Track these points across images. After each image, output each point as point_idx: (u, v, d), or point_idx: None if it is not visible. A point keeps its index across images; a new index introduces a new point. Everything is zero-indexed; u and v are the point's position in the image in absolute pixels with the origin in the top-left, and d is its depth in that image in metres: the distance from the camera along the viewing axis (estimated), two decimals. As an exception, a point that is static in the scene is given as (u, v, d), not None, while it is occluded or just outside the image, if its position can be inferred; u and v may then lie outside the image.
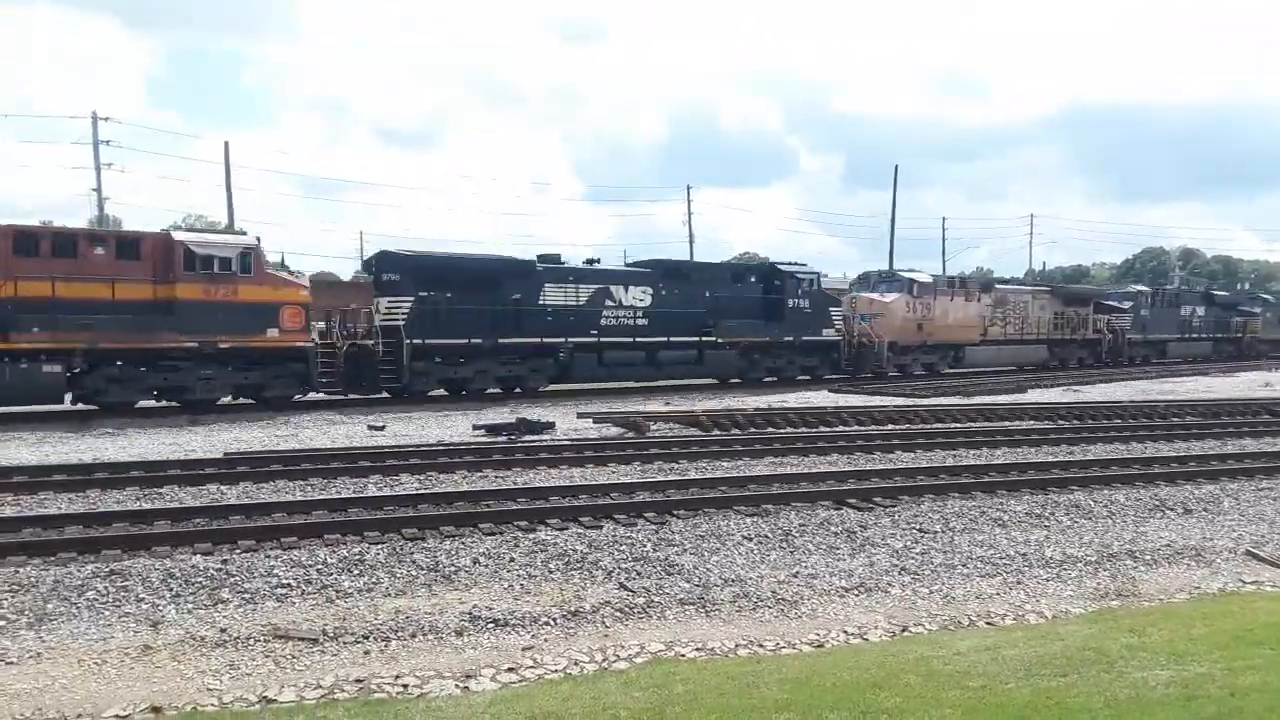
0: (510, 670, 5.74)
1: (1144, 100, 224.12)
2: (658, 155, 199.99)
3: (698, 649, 6.22)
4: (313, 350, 19.91)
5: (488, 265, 23.34)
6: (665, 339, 24.82)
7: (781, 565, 8.29)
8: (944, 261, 68.37)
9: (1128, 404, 21.93)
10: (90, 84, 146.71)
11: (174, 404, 19.23)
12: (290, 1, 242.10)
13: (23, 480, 11.03)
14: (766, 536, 9.02)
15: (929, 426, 18.08)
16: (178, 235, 18.65)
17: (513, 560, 8.02)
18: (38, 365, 17.13)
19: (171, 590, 7.07)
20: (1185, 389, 28.72)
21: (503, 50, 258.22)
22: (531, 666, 5.82)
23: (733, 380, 26.91)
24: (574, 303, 23.68)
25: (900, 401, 22.66)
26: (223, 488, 10.96)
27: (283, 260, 37.86)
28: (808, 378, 28.12)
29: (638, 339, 24.45)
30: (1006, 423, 18.99)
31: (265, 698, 5.26)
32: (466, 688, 5.44)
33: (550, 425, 16.88)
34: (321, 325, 21.60)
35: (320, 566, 7.65)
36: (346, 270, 52.07)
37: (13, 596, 6.83)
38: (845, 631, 6.73)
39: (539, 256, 24.45)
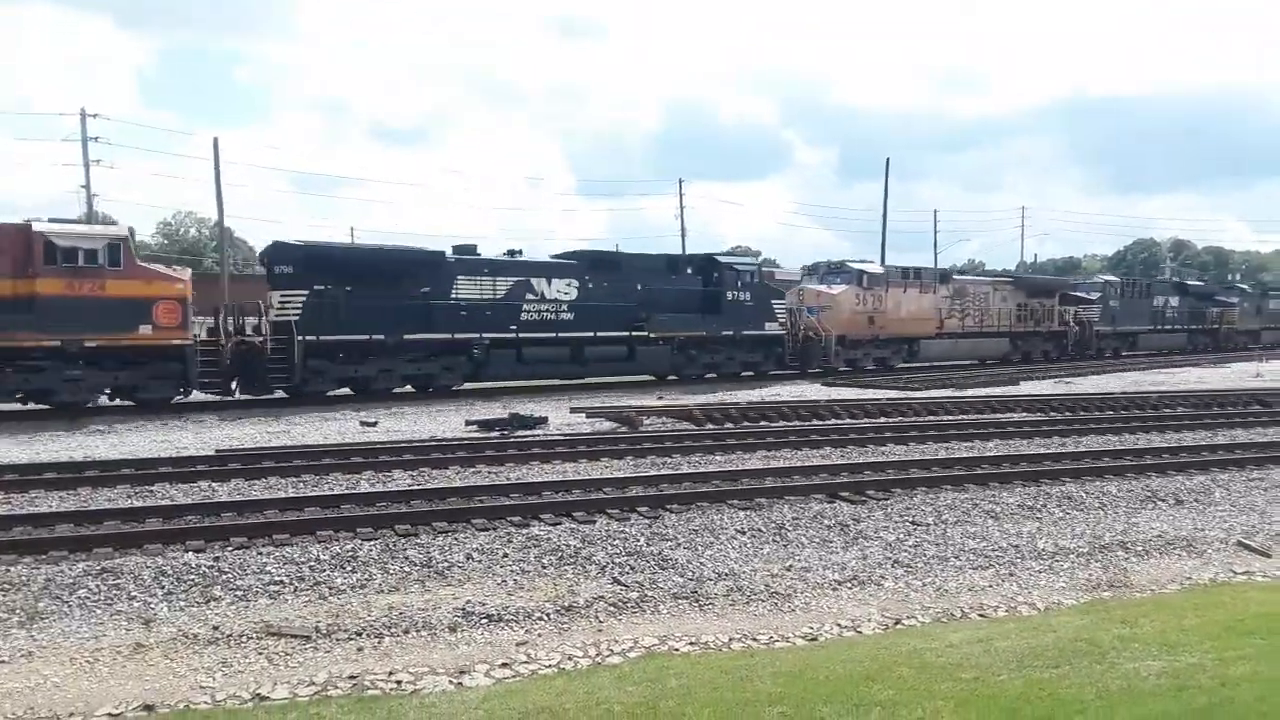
0: (504, 666, 5.74)
1: (1138, 92, 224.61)
2: (652, 149, 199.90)
3: (691, 643, 6.22)
4: (191, 348, 18.56)
5: (392, 257, 22.13)
6: (592, 334, 23.61)
7: (775, 559, 8.30)
8: (936, 254, 68.30)
9: (1119, 395, 22.01)
10: (86, 82, 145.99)
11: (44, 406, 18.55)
12: (288, 2, 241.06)
13: (13, 478, 10.98)
14: (760, 530, 9.03)
15: (921, 419, 18.11)
16: (37, 226, 17.25)
17: (506, 556, 8.02)
18: None
19: (163, 588, 7.05)
20: (1176, 380, 28.83)
21: (499, 48, 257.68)
22: (525, 662, 5.82)
23: (670, 378, 25.71)
24: (490, 296, 22.52)
25: (893, 394, 22.70)
26: (214, 485, 10.93)
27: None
28: (751, 374, 27.12)
29: (561, 334, 23.28)
30: (999, 415, 19.04)
31: (258, 695, 5.25)
32: (460, 683, 5.44)
33: (543, 420, 16.88)
34: (212, 322, 20.39)
35: (313, 563, 7.63)
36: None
37: (4, 595, 6.81)
38: (838, 624, 6.75)
39: (454, 248, 23.10)
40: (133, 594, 6.94)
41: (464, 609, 6.79)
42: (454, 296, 21.97)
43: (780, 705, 4.66)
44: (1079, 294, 39.32)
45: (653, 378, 25.75)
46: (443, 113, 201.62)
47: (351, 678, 5.48)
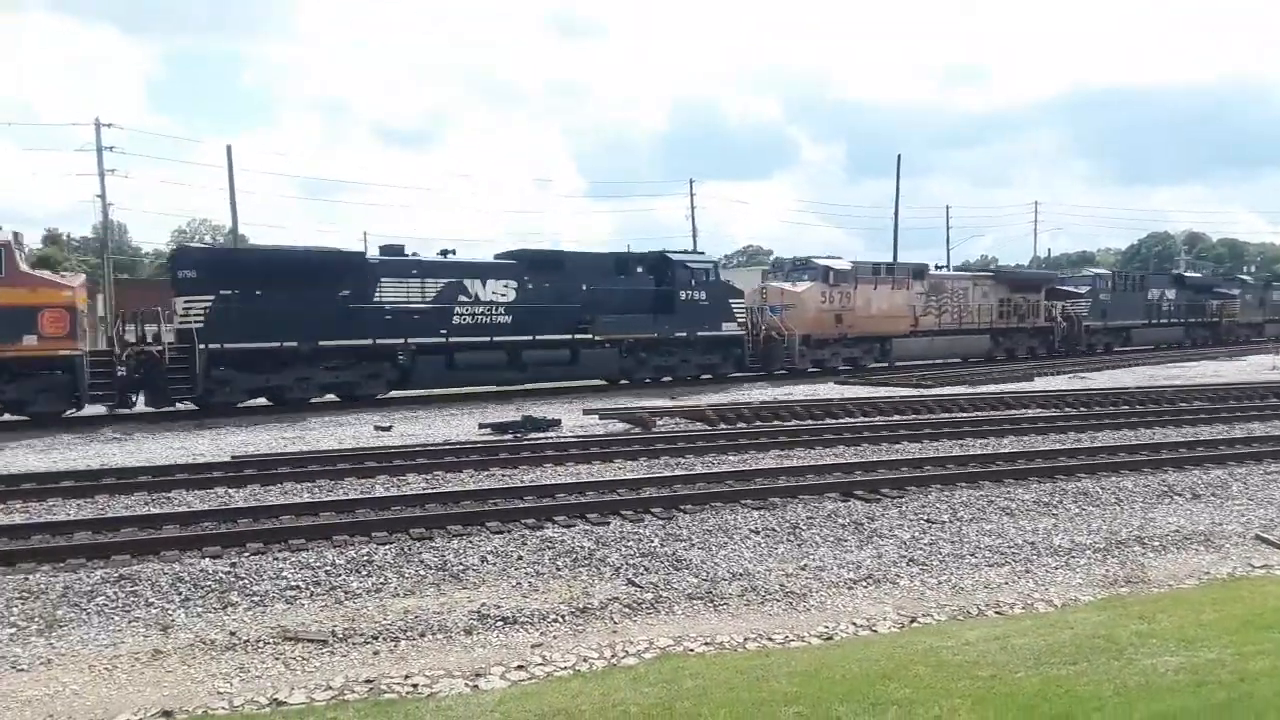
0: (520, 668, 5.75)
1: (1144, 83, 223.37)
2: (659, 149, 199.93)
3: (706, 643, 6.22)
4: (80, 359, 17.44)
5: (306, 259, 20.95)
6: (531, 338, 22.56)
7: (789, 558, 8.28)
8: (948, 250, 68.14)
9: (1134, 390, 21.88)
10: (91, 91, 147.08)
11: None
12: (288, 2, 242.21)
13: (31, 487, 11.06)
14: (774, 530, 9.02)
15: (935, 416, 18.05)
16: None
17: (520, 558, 8.03)
18: None
19: (181, 594, 7.09)
20: (1191, 374, 28.65)
21: (503, 49, 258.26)
22: (541, 664, 5.82)
23: (622, 382, 24.68)
24: (418, 299, 21.35)
25: (906, 392, 22.64)
26: (230, 491, 10.98)
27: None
28: (709, 376, 26.03)
29: (496, 338, 22.15)
30: (1013, 411, 18.96)
31: (275, 700, 5.28)
32: (476, 686, 5.45)
33: (556, 423, 16.89)
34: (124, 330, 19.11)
35: (329, 568, 7.66)
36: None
37: (23, 603, 6.86)
38: (854, 623, 6.73)
39: (380, 248, 22.22)
40: (150, 601, 6.98)
41: (479, 612, 6.81)
42: (377, 300, 20.86)
43: (796, 705, 4.65)
44: (1066, 288, 38.20)
45: (604, 382, 24.81)
46: (447, 114, 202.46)
47: (368, 681, 5.50)
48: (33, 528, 8.95)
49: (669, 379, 25.28)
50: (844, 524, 9.27)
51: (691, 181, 59.71)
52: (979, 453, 13.26)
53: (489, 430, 16.40)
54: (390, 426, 17.35)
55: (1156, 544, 8.99)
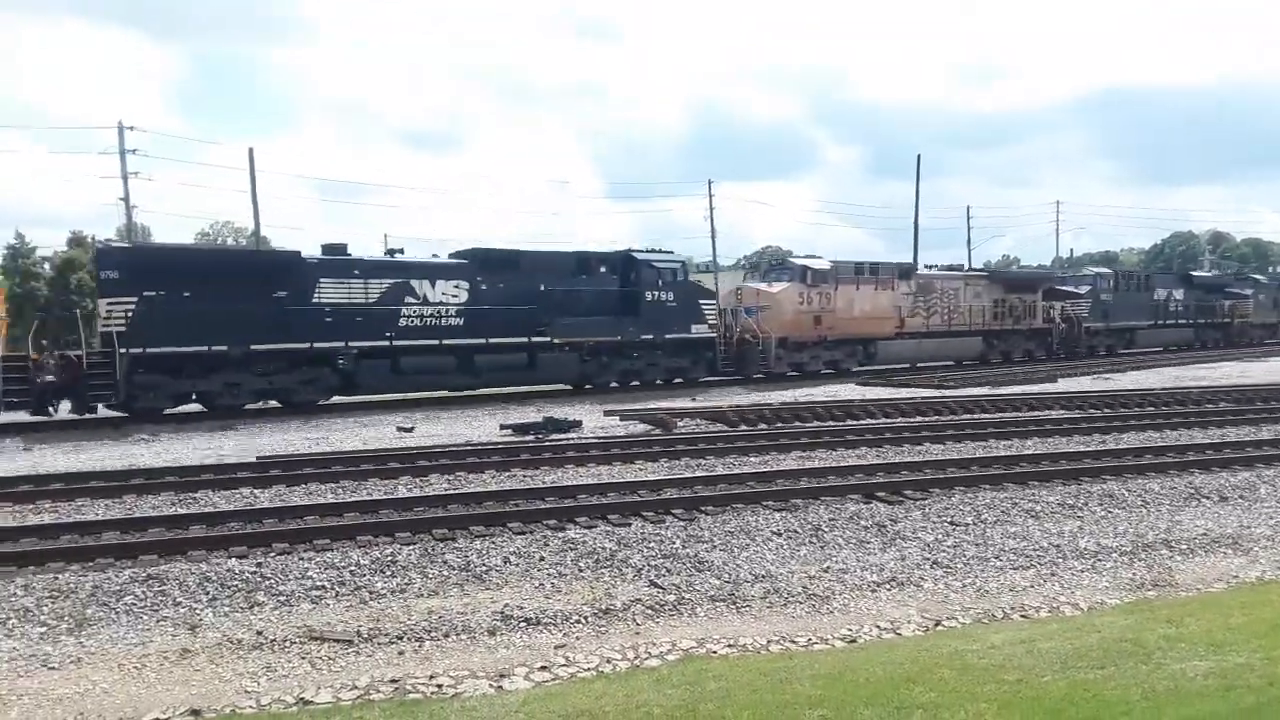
0: (543, 669, 5.76)
1: (1167, 81, 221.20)
2: (678, 150, 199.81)
3: (729, 645, 6.21)
4: None
5: (238, 259, 20.39)
6: (483, 341, 21.69)
7: (812, 560, 8.26)
8: (969, 251, 67.54)
9: (1159, 391, 21.68)
10: (112, 93, 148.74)
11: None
12: (308, 6, 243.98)
13: (60, 487, 11.20)
14: (796, 531, 9.00)
15: (958, 417, 17.96)
16: None
17: (543, 559, 8.05)
18: None
19: (208, 594, 7.16)
20: (1218, 374, 28.35)
21: (521, 51, 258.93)
22: (564, 665, 5.84)
23: (587, 386, 23.93)
24: (361, 301, 20.50)
25: (928, 393, 22.54)
26: (256, 491, 11.08)
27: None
28: (680, 380, 25.30)
29: (446, 341, 21.29)
30: (1036, 412, 18.83)
31: (302, 699, 5.31)
32: (500, 687, 5.47)
33: (577, 424, 16.93)
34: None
35: (353, 568, 7.72)
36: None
37: (52, 603, 6.95)
38: (878, 626, 6.71)
39: (322, 247, 21.32)
40: (178, 600, 7.05)
41: (502, 612, 6.83)
42: (316, 301, 20.01)
43: (820, 708, 4.64)
44: (1066, 288, 36.92)
45: (569, 387, 24.14)
46: (466, 116, 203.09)
47: (393, 681, 5.53)
48: (62, 527, 9.06)
49: (636, 384, 24.49)
50: (867, 526, 9.23)
51: (710, 182, 59.72)
52: (1003, 454, 13.17)
53: (510, 431, 16.46)
54: (413, 428, 17.45)
55: (1184, 547, 8.90)
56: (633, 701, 4.87)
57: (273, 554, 8.11)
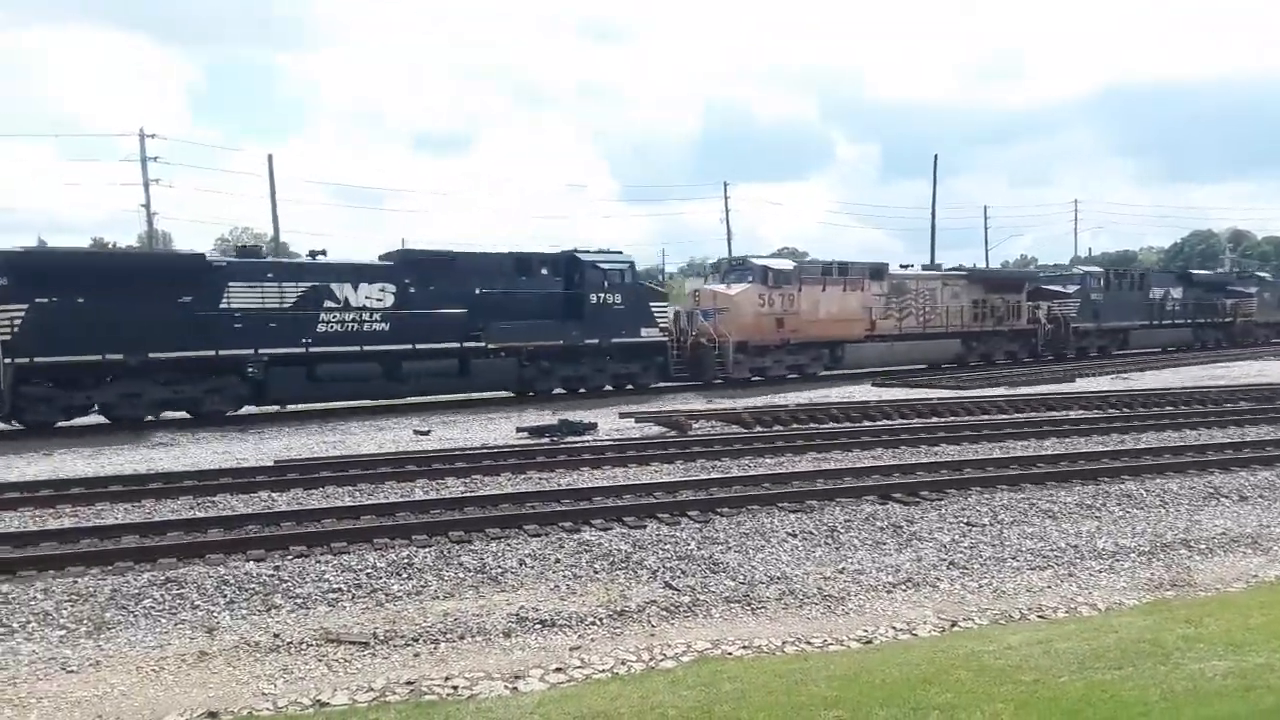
0: (558, 670, 5.77)
1: (1187, 78, 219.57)
2: (693, 152, 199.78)
3: (744, 647, 6.20)
4: None
5: (138, 262, 19.13)
6: (410, 346, 20.59)
7: (827, 561, 8.25)
8: (987, 250, 67.39)
9: (1178, 391, 21.52)
10: (133, 100, 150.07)
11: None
12: (321, 13, 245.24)
13: (80, 491, 11.29)
14: (811, 533, 8.98)
15: (974, 418, 17.88)
16: None
17: (558, 561, 8.07)
18: None
19: (226, 597, 7.21)
20: (1237, 374, 28.12)
21: (535, 55, 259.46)
22: (579, 666, 5.84)
23: (530, 393, 22.79)
24: (275, 305, 19.39)
25: (944, 394, 22.45)
26: (274, 495, 11.14)
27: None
28: (630, 387, 24.07)
29: (368, 347, 20.18)
30: (1054, 412, 18.72)
31: (319, 701, 5.34)
32: (515, 688, 5.48)
33: (592, 426, 16.94)
34: None
35: (370, 570, 7.75)
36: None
37: (72, 606, 7.01)
38: (893, 627, 6.68)
39: (237, 249, 20.15)
40: (196, 603, 7.10)
41: (518, 614, 6.85)
42: (224, 306, 18.93)
43: (836, 709, 4.63)
44: (1053, 287, 35.62)
45: (512, 394, 22.90)
46: (481, 120, 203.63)
47: (409, 683, 5.55)
48: (81, 531, 9.14)
49: (583, 391, 23.47)
50: (882, 527, 9.21)
51: (725, 184, 59.73)
52: (1020, 455, 13.10)
53: (526, 434, 16.49)
54: (429, 431, 17.51)
55: (1203, 547, 8.84)
56: (648, 703, 4.87)
57: (290, 557, 8.15)
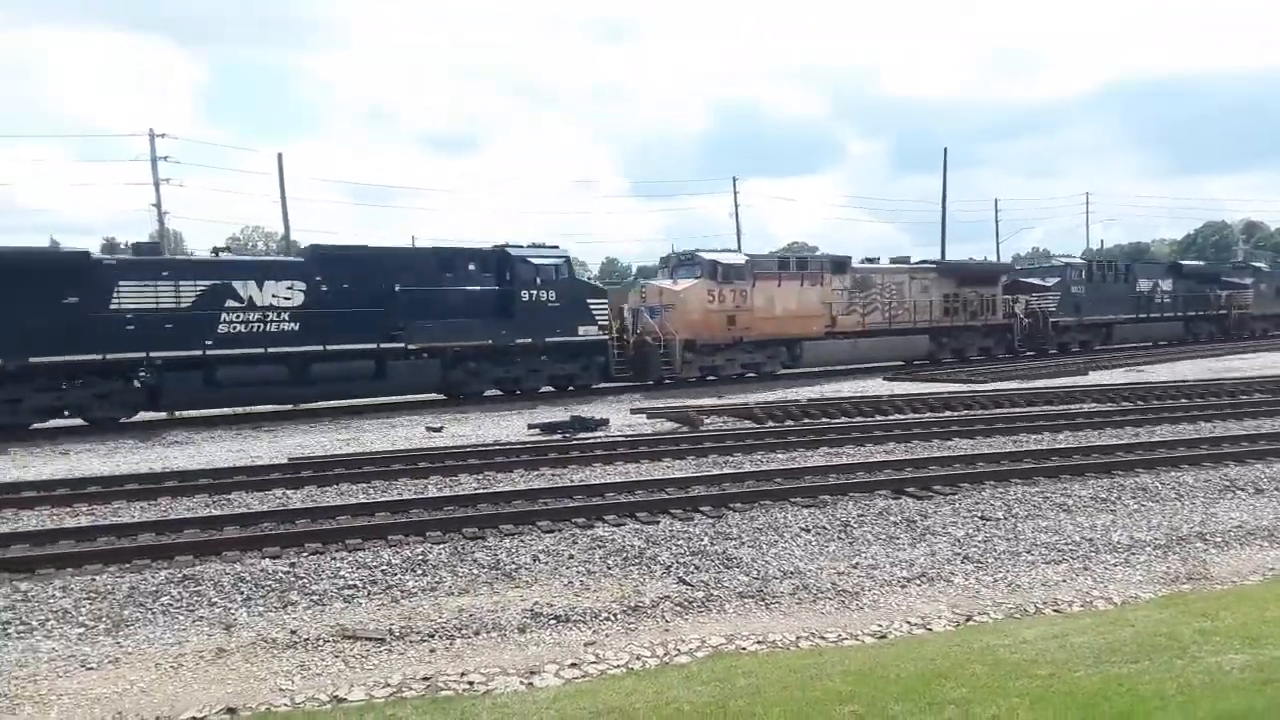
0: (573, 666, 5.79)
1: (1198, 69, 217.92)
2: (703, 148, 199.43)
3: (759, 642, 6.21)
4: None
5: (17, 260, 17.68)
6: (320, 348, 19.45)
7: (841, 556, 8.24)
8: (998, 244, 67.14)
9: (1193, 383, 21.41)
10: (143, 100, 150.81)
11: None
12: (331, 12, 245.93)
13: (97, 490, 11.38)
14: (824, 527, 8.98)
15: (987, 412, 17.83)
16: None
17: (572, 557, 8.09)
18: None
19: (242, 594, 7.25)
20: (1253, 366, 27.95)
21: (543, 52, 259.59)
22: (594, 662, 5.86)
23: (458, 396, 21.82)
24: (171, 306, 18.30)
25: (956, 388, 22.39)
26: (288, 492, 11.20)
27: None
28: (572, 388, 23.24)
29: (273, 349, 19.10)
30: (1067, 406, 18.65)
31: (336, 697, 5.38)
32: (531, 684, 5.50)
33: (604, 422, 16.97)
34: None
35: (385, 567, 7.79)
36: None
37: (90, 603, 7.06)
38: (908, 622, 6.68)
39: (133, 246, 19.16)
40: (213, 600, 7.15)
41: (532, 610, 6.87)
42: (114, 307, 17.86)
43: (851, 704, 4.63)
44: (1031, 280, 34.65)
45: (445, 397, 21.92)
46: (490, 119, 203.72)
47: (425, 679, 5.58)
48: (99, 529, 9.21)
49: (518, 393, 22.54)
50: (896, 521, 9.20)
51: (735, 179, 59.54)
52: (1033, 448, 13.06)
53: (538, 430, 16.52)
54: (442, 428, 17.57)
55: (1219, 540, 8.80)
56: (663, 698, 4.88)
57: (306, 554, 8.19)
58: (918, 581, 7.66)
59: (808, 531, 8.86)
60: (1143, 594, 7.31)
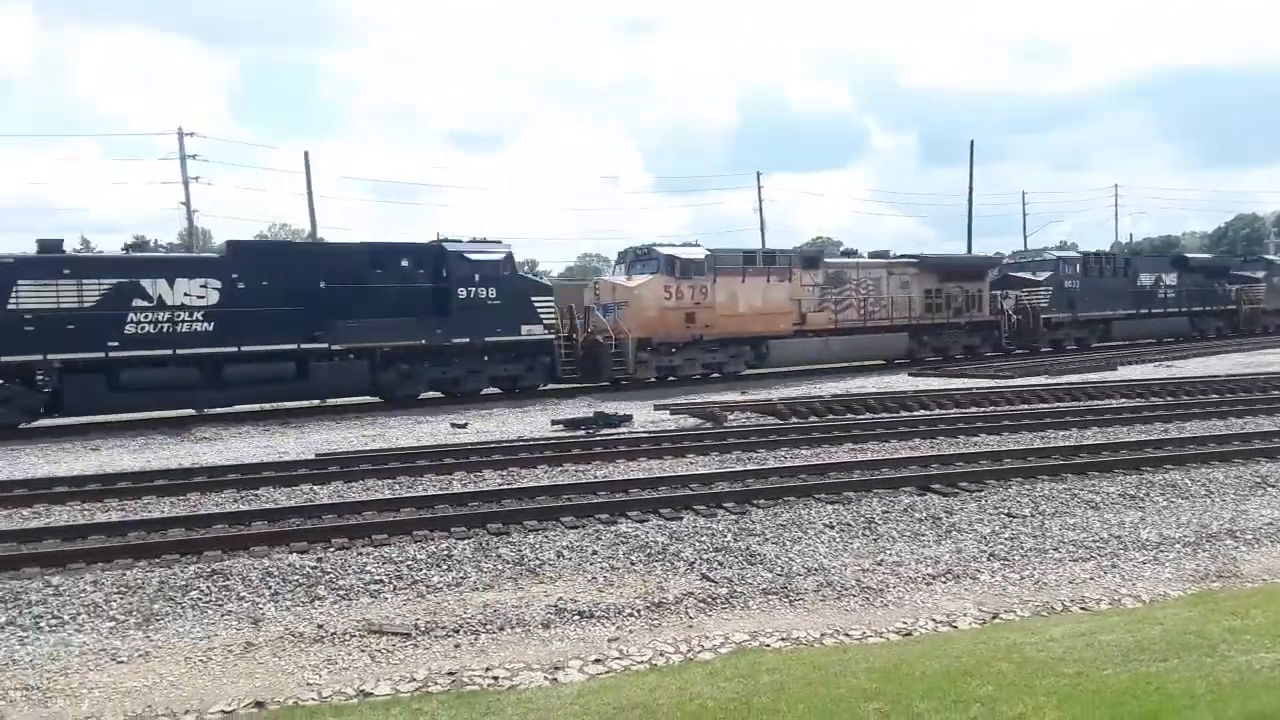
0: (597, 661, 5.81)
1: (1229, 61, 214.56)
2: (728, 142, 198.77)
3: (782, 639, 6.20)
4: None
5: None
6: (235, 349, 18.61)
7: (865, 553, 8.21)
8: (1025, 237, 66.71)
9: (1224, 378, 21.14)
10: (174, 100, 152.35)
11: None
12: (358, 12, 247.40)
13: (127, 485, 11.53)
14: (849, 524, 8.95)
15: (1014, 408, 17.69)
16: None
17: (595, 553, 8.11)
18: None
19: (270, 589, 7.32)
20: (1287, 360, 27.56)
21: (568, 48, 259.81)
22: (618, 658, 5.88)
23: (390, 399, 20.92)
24: (73, 305, 17.48)
25: (983, 383, 22.24)
26: (315, 488, 11.29)
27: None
28: (516, 390, 22.30)
29: (181, 350, 18.23)
30: (1095, 401, 18.47)
31: (362, 691, 5.42)
32: (555, 679, 5.52)
33: (628, 418, 16.97)
34: None
35: (410, 562, 7.84)
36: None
37: (121, 598, 7.15)
38: (933, 619, 6.65)
39: (37, 242, 18.42)
40: (241, 595, 7.22)
41: (556, 606, 6.90)
42: (11, 307, 17.13)
43: (876, 701, 4.62)
44: (1022, 275, 33.19)
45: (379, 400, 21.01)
46: (514, 115, 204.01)
47: (450, 674, 5.62)
48: (129, 525, 9.32)
49: (460, 394, 21.59)
50: (921, 518, 9.15)
51: (759, 174, 59.50)
52: (1061, 444, 12.95)
53: (562, 427, 16.56)
54: (466, 424, 17.64)
55: (1249, 537, 8.69)
56: (686, 694, 4.89)
57: (332, 549, 8.27)
58: (943, 579, 7.62)
59: (832, 528, 8.84)
60: (1172, 592, 7.24)
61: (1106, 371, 25.34)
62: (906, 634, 6.33)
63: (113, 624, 6.74)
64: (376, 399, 21.25)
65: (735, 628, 6.49)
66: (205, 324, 18.62)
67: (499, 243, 22.79)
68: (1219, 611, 6.19)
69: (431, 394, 21.74)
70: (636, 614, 6.80)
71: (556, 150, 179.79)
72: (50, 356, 17.33)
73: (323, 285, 19.71)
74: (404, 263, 21.22)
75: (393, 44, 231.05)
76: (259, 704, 5.30)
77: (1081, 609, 6.85)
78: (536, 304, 22.41)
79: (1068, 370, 25.40)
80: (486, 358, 21.80)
